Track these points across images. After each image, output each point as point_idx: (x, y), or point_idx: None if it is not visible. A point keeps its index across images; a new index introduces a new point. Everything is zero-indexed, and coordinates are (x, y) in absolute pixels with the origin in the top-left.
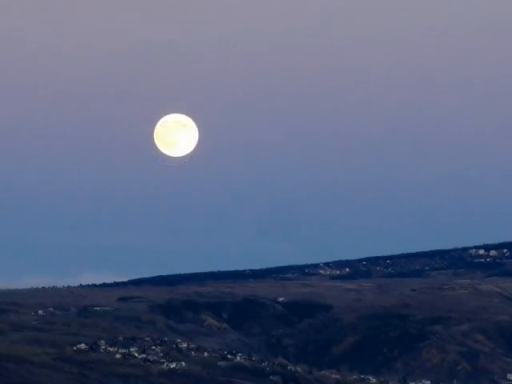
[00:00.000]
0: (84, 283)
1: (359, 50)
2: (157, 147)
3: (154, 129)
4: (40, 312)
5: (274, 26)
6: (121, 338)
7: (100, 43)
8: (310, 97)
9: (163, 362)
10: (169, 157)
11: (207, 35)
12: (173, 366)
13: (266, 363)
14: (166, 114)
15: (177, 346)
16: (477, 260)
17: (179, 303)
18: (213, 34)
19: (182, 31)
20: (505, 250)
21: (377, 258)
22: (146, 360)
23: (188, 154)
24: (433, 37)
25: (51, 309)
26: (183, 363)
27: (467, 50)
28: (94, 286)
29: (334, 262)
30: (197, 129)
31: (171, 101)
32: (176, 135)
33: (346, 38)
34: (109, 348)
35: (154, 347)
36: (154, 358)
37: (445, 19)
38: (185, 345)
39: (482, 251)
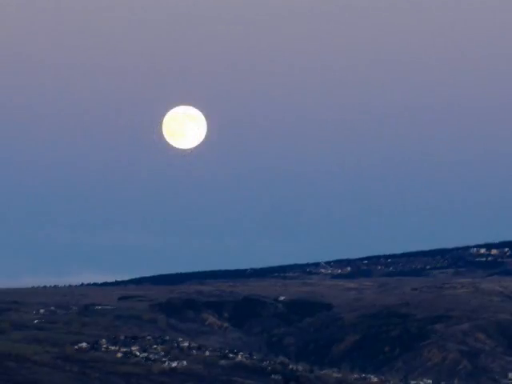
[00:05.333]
0: (85, 282)
1: (364, 48)
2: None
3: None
4: (41, 311)
5: (280, 20)
6: (122, 337)
7: (107, 35)
8: (311, 95)
9: (164, 361)
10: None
11: (213, 29)
12: (174, 364)
13: (267, 362)
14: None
15: (178, 344)
16: (478, 259)
17: (180, 302)
18: (219, 27)
19: (187, 25)
20: (506, 249)
21: (378, 257)
22: (147, 359)
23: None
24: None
25: (52, 308)
26: (184, 362)
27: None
28: (95, 284)
29: (334, 261)
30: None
31: (163, 102)
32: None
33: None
34: (110, 347)
35: (155, 346)
36: (155, 356)
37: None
38: (186, 344)
39: (483, 250)
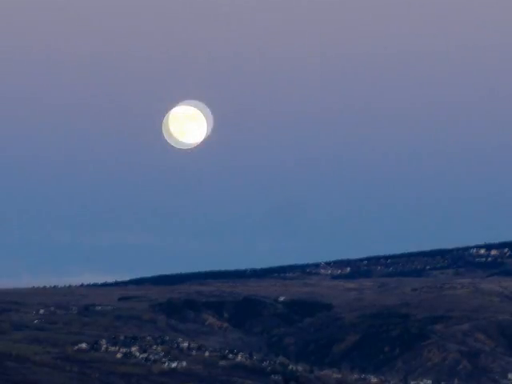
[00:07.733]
0: (85, 282)
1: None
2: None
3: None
4: (41, 311)
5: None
6: (122, 338)
7: (108, 35)
8: (312, 96)
9: (164, 362)
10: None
11: (214, 29)
12: (174, 365)
13: (267, 362)
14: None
15: (178, 345)
16: (478, 259)
17: (180, 302)
18: (223, 25)
19: (188, 25)
20: (506, 250)
21: (378, 258)
22: (147, 359)
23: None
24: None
25: (52, 308)
26: (184, 362)
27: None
28: (95, 285)
29: (334, 262)
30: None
31: (163, 102)
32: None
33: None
34: (110, 347)
35: (155, 346)
36: (155, 357)
37: None
38: (186, 344)
39: (483, 250)
